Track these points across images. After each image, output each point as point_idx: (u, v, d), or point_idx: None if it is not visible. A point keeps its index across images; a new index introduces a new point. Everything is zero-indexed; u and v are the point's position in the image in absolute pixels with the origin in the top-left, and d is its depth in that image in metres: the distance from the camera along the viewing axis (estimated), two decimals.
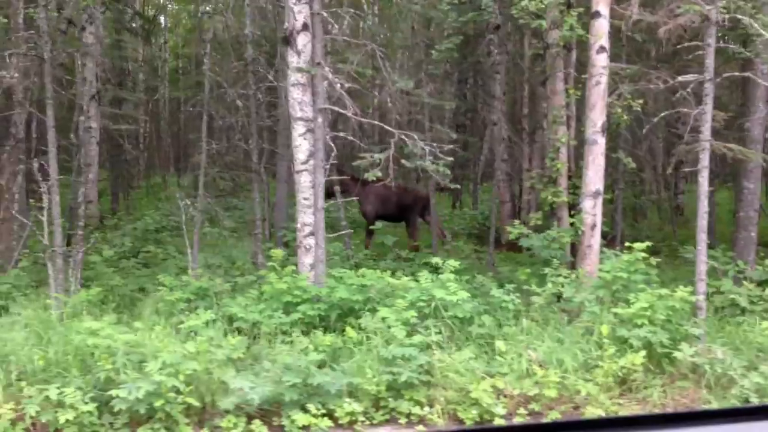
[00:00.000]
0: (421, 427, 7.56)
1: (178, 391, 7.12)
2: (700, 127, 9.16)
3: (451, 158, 9.88)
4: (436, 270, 10.17)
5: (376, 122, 11.66)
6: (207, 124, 12.16)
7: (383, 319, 8.51)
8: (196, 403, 7.22)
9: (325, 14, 10.18)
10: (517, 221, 11.74)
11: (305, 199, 9.99)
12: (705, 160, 9.12)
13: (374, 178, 9.80)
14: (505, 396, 7.85)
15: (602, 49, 10.36)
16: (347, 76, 10.27)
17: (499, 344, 8.40)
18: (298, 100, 9.96)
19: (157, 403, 6.97)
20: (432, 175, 10.49)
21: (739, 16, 9.20)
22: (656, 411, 7.72)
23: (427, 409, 7.72)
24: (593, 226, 10.48)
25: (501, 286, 9.79)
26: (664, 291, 8.75)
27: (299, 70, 9.84)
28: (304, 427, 7.36)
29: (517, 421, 7.63)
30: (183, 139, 30.15)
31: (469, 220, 19.33)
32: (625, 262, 9.37)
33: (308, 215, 9.96)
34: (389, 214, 15.56)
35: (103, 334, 7.64)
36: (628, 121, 11.10)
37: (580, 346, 8.45)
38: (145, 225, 16.71)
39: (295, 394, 7.44)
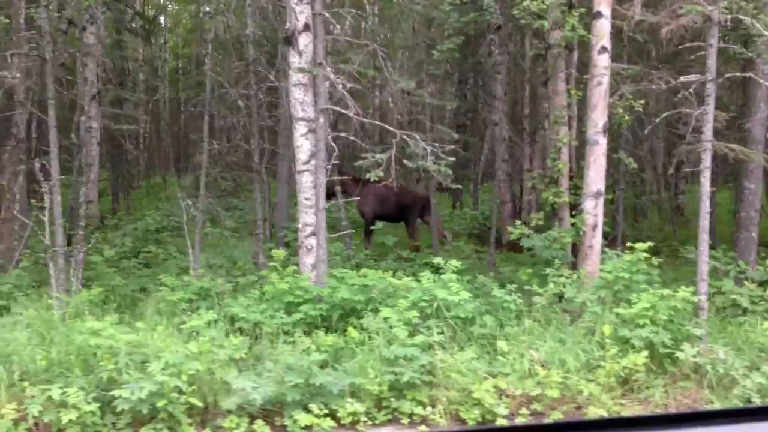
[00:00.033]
0: (423, 428, 7.57)
1: (180, 391, 7.12)
2: (702, 127, 9.16)
3: (453, 158, 9.87)
4: (437, 270, 10.18)
5: (377, 122, 11.63)
6: (208, 124, 12.15)
7: (385, 319, 8.51)
8: (199, 404, 7.22)
9: (326, 14, 10.17)
10: (518, 221, 11.74)
11: (307, 199, 9.99)
12: (707, 161, 9.12)
13: (376, 179, 9.79)
14: (507, 396, 7.85)
15: (604, 49, 10.37)
16: (348, 76, 10.26)
17: (502, 344, 8.40)
18: (300, 101, 9.96)
19: (160, 404, 6.97)
20: (433, 176, 10.50)
21: (741, 17, 9.19)
22: (658, 411, 7.72)
23: (429, 409, 7.72)
24: (594, 227, 10.49)
25: (502, 286, 9.79)
26: (666, 291, 8.75)
27: (301, 70, 9.84)
28: (306, 427, 7.37)
29: (519, 421, 7.62)
30: (183, 140, 30.15)
31: (470, 220, 19.33)
32: (627, 263, 9.37)
33: (310, 215, 9.97)
34: (388, 215, 15.55)
35: (106, 334, 7.64)
36: (630, 121, 11.10)
37: (582, 346, 8.46)
38: (146, 225, 16.70)
39: (297, 394, 7.45)
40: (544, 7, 10.54)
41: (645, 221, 17.99)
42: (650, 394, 7.95)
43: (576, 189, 11.11)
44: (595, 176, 10.50)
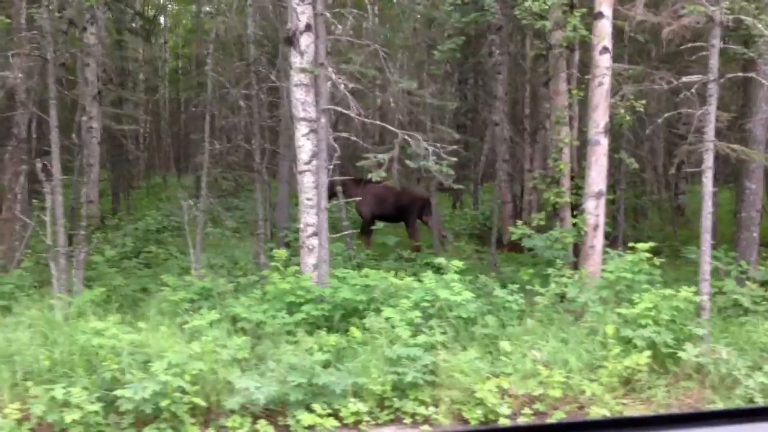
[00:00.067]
0: (426, 427, 7.58)
1: (183, 391, 7.13)
2: (704, 127, 9.17)
3: (454, 158, 9.87)
4: (438, 270, 10.19)
5: (379, 123, 11.62)
6: (209, 124, 12.15)
7: (387, 319, 8.52)
8: (202, 403, 7.23)
9: (328, 15, 10.17)
10: (519, 222, 11.75)
11: (308, 199, 9.98)
12: (709, 161, 9.13)
13: (378, 179, 9.79)
14: (509, 396, 7.87)
15: (605, 49, 10.38)
16: (349, 76, 10.26)
17: (504, 344, 8.40)
18: (301, 101, 9.96)
19: (163, 403, 6.98)
20: (433, 176, 10.49)
21: (743, 17, 9.20)
22: (661, 411, 7.73)
23: (432, 408, 7.74)
24: (596, 227, 10.50)
25: (504, 286, 9.80)
26: (668, 291, 8.76)
27: (302, 70, 9.84)
28: (309, 427, 7.38)
29: (521, 421, 7.64)
30: (183, 140, 30.13)
31: (470, 220, 19.33)
32: (629, 263, 9.39)
33: (311, 215, 9.96)
34: (387, 215, 15.54)
35: (108, 334, 7.65)
36: (631, 121, 11.11)
37: (584, 346, 8.46)
38: (147, 225, 16.71)
39: (300, 394, 7.46)
40: (546, 7, 10.55)
41: (645, 221, 17.98)
42: (653, 394, 7.96)
43: (577, 189, 11.13)
44: (597, 176, 10.51)
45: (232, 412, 7.31)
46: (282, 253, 10.14)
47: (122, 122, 18.07)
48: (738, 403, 7.75)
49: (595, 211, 10.50)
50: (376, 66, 11.26)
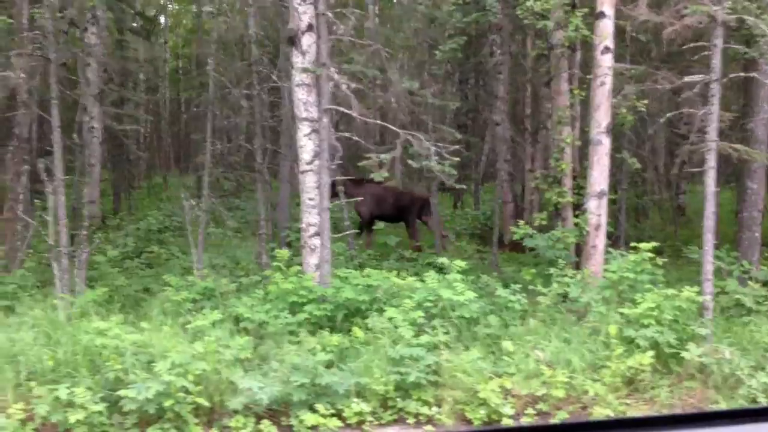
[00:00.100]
0: (429, 427, 7.58)
1: (187, 391, 7.13)
2: (707, 127, 9.17)
3: (457, 158, 9.87)
4: (440, 270, 10.19)
5: (382, 123, 11.61)
6: (211, 124, 12.15)
7: (390, 319, 8.52)
8: (206, 403, 7.23)
9: (330, 15, 10.17)
10: (521, 221, 11.74)
11: (310, 199, 9.98)
12: (712, 161, 9.13)
13: (381, 179, 9.79)
14: (512, 396, 7.87)
15: (607, 49, 10.38)
16: (351, 76, 10.26)
17: (507, 344, 8.40)
18: (303, 101, 9.95)
19: (167, 403, 6.98)
20: (435, 176, 10.48)
21: (745, 17, 9.19)
22: (664, 411, 7.73)
23: (435, 409, 7.74)
24: (598, 227, 10.50)
25: (506, 286, 9.80)
26: (671, 291, 8.76)
27: (304, 70, 9.84)
28: (312, 427, 7.38)
29: (525, 421, 7.64)
30: (184, 140, 30.12)
31: (471, 220, 19.32)
32: (632, 263, 9.39)
33: (313, 215, 9.96)
34: (387, 215, 15.53)
35: (111, 334, 7.65)
36: (633, 121, 11.10)
37: (587, 346, 8.46)
38: (148, 225, 16.71)
39: (303, 394, 7.46)
40: (548, 7, 10.54)
41: (646, 221, 17.98)
42: (656, 394, 7.97)
43: (579, 189, 11.13)
44: (599, 176, 10.51)
45: (236, 412, 7.31)
46: (284, 253, 10.14)
47: (123, 122, 18.05)
48: (741, 403, 7.75)
49: (597, 210, 10.50)
50: (377, 66, 11.26)
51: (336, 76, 9.83)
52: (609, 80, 10.39)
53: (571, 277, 9.80)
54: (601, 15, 10.38)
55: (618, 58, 10.97)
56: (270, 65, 13.82)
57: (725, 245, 12.11)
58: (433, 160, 9.62)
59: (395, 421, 7.70)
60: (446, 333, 8.52)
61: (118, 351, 7.43)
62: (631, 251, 9.77)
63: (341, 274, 9.90)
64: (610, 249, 10.42)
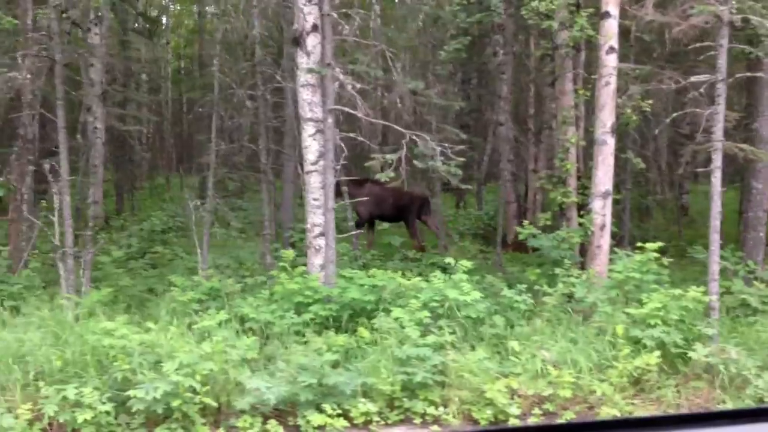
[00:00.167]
0: (435, 428, 7.59)
1: (194, 391, 7.14)
2: (713, 127, 9.17)
3: (462, 159, 9.87)
4: (444, 270, 10.19)
5: (387, 123, 11.62)
6: (216, 125, 12.15)
7: (396, 319, 8.52)
8: (213, 403, 7.23)
9: (334, 15, 10.18)
10: (526, 221, 11.74)
11: (315, 199, 9.98)
12: (717, 161, 9.13)
13: (387, 179, 9.79)
14: (519, 396, 7.87)
15: (612, 49, 10.38)
16: (356, 76, 10.25)
17: (513, 344, 8.40)
18: (308, 101, 9.95)
19: (175, 403, 6.99)
20: (437, 176, 10.48)
21: (750, 17, 9.19)
22: (670, 411, 7.73)
23: (441, 409, 7.75)
24: (603, 227, 10.50)
25: (510, 286, 9.80)
26: (677, 291, 8.75)
27: (310, 71, 9.84)
28: (319, 427, 7.40)
29: (531, 421, 7.64)
30: (186, 140, 30.11)
31: (474, 220, 19.33)
32: (637, 263, 9.38)
33: (318, 216, 9.96)
34: (386, 215, 15.51)
35: (118, 334, 7.65)
36: (638, 121, 11.10)
37: (593, 346, 8.46)
38: (152, 226, 16.72)
39: (310, 394, 7.46)
40: (553, 7, 10.54)
41: (650, 221, 17.98)
42: (662, 394, 7.97)
43: (584, 189, 11.12)
44: (603, 176, 10.51)
45: (243, 412, 7.32)
46: (289, 253, 10.14)
47: (126, 123, 18.07)
48: (748, 403, 7.76)
49: (602, 210, 10.50)
50: (381, 66, 11.26)
51: (341, 77, 9.83)
52: (614, 80, 10.39)
53: (576, 277, 9.79)
54: (606, 15, 10.38)
55: (622, 58, 10.97)
56: (274, 65, 13.81)
57: (729, 245, 12.12)
58: (439, 161, 9.62)
59: (402, 422, 7.71)
60: (452, 333, 8.52)
61: (126, 351, 7.43)
62: (636, 251, 9.77)
63: (346, 274, 9.90)
64: (616, 249, 10.41)
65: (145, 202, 23.28)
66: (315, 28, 9.90)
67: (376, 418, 7.57)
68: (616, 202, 11.76)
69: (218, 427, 7.29)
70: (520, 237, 11.24)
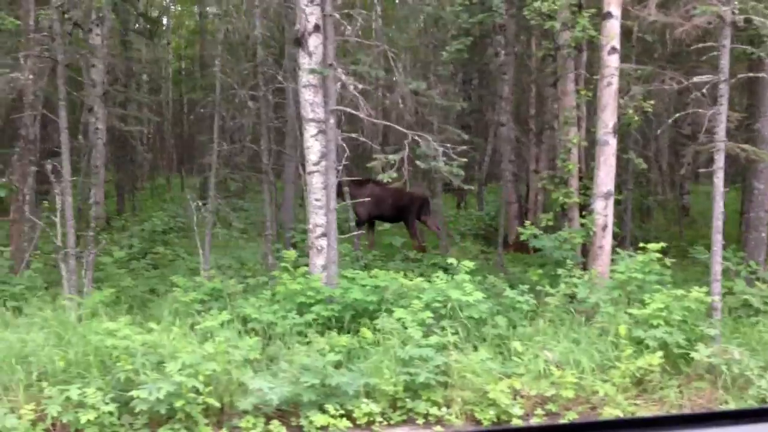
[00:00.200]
0: (438, 428, 7.58)
1: (197, 392, 7.13)
2: (715, 127, 9.17)
3: (464, 159, 9.87)
4: (446, 270, 10.20)
5: (389, 123, 11.62)
6: (218, 125, 12.15)
7: (399, 319, 8.52)
8: (216, 404, 7.23)
9: (337, 15, 10.17)
10: (528, 222, 11.74)
11: (317, 200, 9.98)
12: (720, 161, 9.13)
13: (389, 179, 9.78)
14: (522, 396, 7.87)
15: (614, 50, 10.39)
16: (358, 77, 10.25)
17: (516, 345, 8.41)
18: (310, 102, 9.95)
19: (178, 404, 6.99)
20: (438, 176, 10.47)
21: (753, 17, 9.19)
22: (673, 412, 7.73)
23: (444, 409, 7.74)
24: (605, 227, 10.51)
25: (512, 286, 9.80)
26: (679, 292, 8.75)
27: (312, 71, 9.83)
28: (322, 428, 7.39)
29: (534, 421, 7.64)
30: (187, 141, 30.11)
31: (475, 220, 19.33)
32: (640, 263, 9.38)
33: (320, 216, 9.96)
34: (385, 215, 15.50)
35: (121, 334, 7.65)
36: (639, 122, 11.10)
37: (596, 346, 8.47)
38: (153, 226, 16.71)
39: (313, 394, 7.46)
40: (555, 8, 10.54)
41: (651, 222, 17.98)
42: (665, 395, 7.96)
43: (585, 189, 11.12)
44: (605, 177, 10.52)
45: (246, 412, 7.31)
46: (291, 254, 10.14)
47: (129, 123, 18.08)
48: (750, 404, 7.76)
49: (604, 211, 10.51)
50: (383, 67, 11.26)
51: (343, 77, 9.83)
52: (616, 81, 10.39)
53: (578, 278, 9.80)
54: (608, 15, 10.38)
55: (623, 58, 10.97)
56: (275, 66, 13.81)
57: (731, 245, 12.12)
58: (441, 161, 9.62)
59: (404, 422, 7.70)
60: (455, 333, 8.52)
61: (129, 352, 7.43)
62: (638, 252, 9.77)
63: (348, 275, 9.90)
64: (618, 249, 10.41)
65: (146, 202, 23.28)
66: (317, 28, 9.90)
67: (379, 419, 7.56)
68: (617, 203, 11.77)
69: (221, 428, 7.29)
70: (522, 237, 11.24)
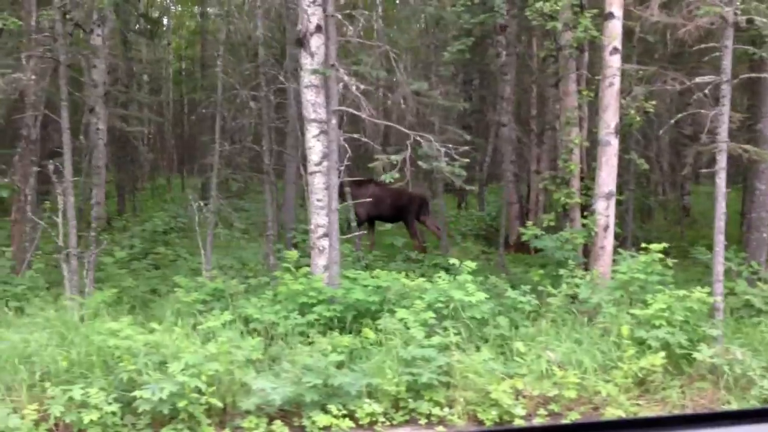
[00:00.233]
0: (441, 428, 7.59)
1: (200, 392, 7.14)
2: (717, 128, 9.17)
3: (467, 159, 9.87)
4: (448, 271, 10.20)
5: (391, 124, 11.62)
6: (220, 126, 12.15)
7: (401, 320, 8.52)
8: (219, 404, 7.23)
9: (339, 16, 10.18)
10: (529, 222, 11.74)
11: (318, 200, 9.98)
12: (722, 162, 9.13)
13: (392, 179, 9.78)
14: (524, 397, 7.87)
15: (615, 50, 10.39)
16: (360, 77, 10.25)
17: (518, 345, 8.41)
18: (312, 102, 9.95)
19: (181, 404, 6.99)
20: (440, 177, 10.46)
21: (755, 17, 9.20)
22: (675, 412, 7.73)
23: (446, 409, 7.74)
24: (606, 227, 10.51)
25: (513, 287, 9.81)
26: (682, 292, 8.76)
27: (314, 72, 9.83)
28: (325, 428, 7.39)
29: (536, 422, 7.64)
30: (188, 141, 30.12)
31: (476, 221, 19.34)
32: (642, 263, 9.38)
33: (322, 217, 9.96)
34: (384, 215, 15.50)
35: (123, 335, 7.65)
36: (641, 122, 11.10)
37: (598, 347, 8.47)
38: (153, 226, 16.70)
39: (315, 394, 7.46)
40: (557, 8, 10.54)
41: (651, 222, 18.00)
42: (667, 395, 7.96)
43: (587, 190, 11.12)
44: (607, 177, 10.52)
45: (248, 412, 7.32)
46: (293, 254, 10.14)
47: (131, 124, 18.09)
48: (753, 404, 7.76)
49: (606, 211, 10.51)
50: (385, 67, 11.26)
51: (345, 78, 9.83)
52: (617, 81, 10.40)
53: (580, 278, 9.80)
54: (610, 16, 10.39)
55: (624, 59, 10.98)
56: (277, 66, 13.81)
57: (732, 246, 12.12)
58: (443, 161, 9.62)
59: (407, 422, 7.70)
60: (457, 334, 8.53)
61: (131, 352, 7.44)
62: (640, 252, 9.77)
63: (350, 275, 9.90)
64: (620, 250, 10.41)
65: (147, 203, 23.29)
66: (319, 29, 9.90)
67: (381, 419, 7.56)
68: (618, 203, 11.77)
69: (224, 428, 7.30)
70: (524, 238, 11.24)
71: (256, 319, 8.90)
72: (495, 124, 18.22)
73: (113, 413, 6.97)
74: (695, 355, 8.18)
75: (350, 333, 8.80)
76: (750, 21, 9.30)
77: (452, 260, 9.92)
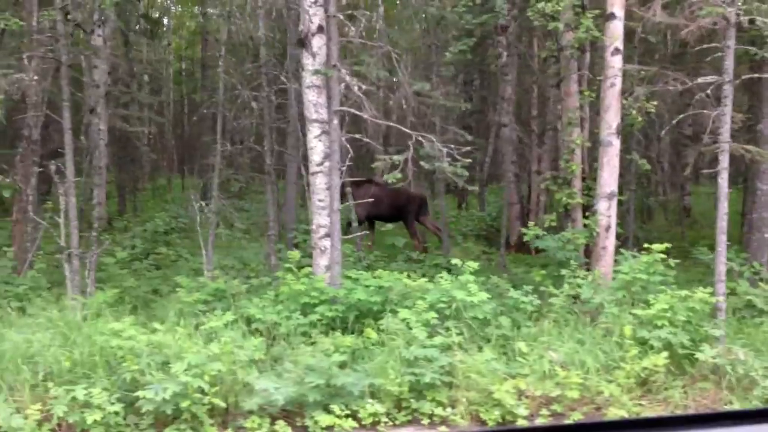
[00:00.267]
0: (443, 428, 7.59)
1: (203, 392, 7.14)
2: (719, 128, 9.17)
3: (469, 160, 9.87)
4: (449, 271, 10.20)
5: (393, 124, 11.62)
6: (221, 126, 12.16)
7: (403, 320, 8.53)
8: (221, 404, 7.23)
9: (340, 16, 10.18)
10: (530, 222, 11.75)
11: (320, 200, 9.98)
12: (725, 162, 9.13)
13: (394, 180, 9.78)
14: (527, 397, 7.87)
15: (617, 50, 10.39)
16: (361, 78, 10.26)
17: (520, 345, 8.41)
18: (313, 102, 9.95)
19: (184, 404, 6.99)
20: (441, 177, 10.46)
21: (757, 18, 9.20)
22: (678, 412, 7.74)
23: (449, 410, 7.74)
24: (608, 228, 10.51)
25: (515, 287, 9.81)
26: (684, 292, 8.76)
27: (315, 72, 9.83)
28: (327, 428, 7.40)
29: (539, 422, 7.64)
30: (188, 141, 30.13)
31: (477, 221, 19.34)
32: (644, 264, 9.39)
33: (323, 217, 9.96)
34: (383, 215, 15.49)
35: (126, 335, 7.66)
36: (643, 123, 11.11)
37: (601, 347, 8.47)
38: (154, 227, 16.69)
39: (318, 395, 7.46)
40: (558, 9, 10.54)
41: (652, 222, 18.01)
42: (670, 395, 7.97)
43: (588, 190, 11.13)
44: (609, 177, 10.52)
45: (251, 413, 7.32)
46: (295, 254, 10.14)
47: (132, 124, 18.09)
48: (755, 404, 7.77)
49: (607, 212, 10.51)
50: (386, 68, 11.27)
51: (347, 78, 9.83)
52: (619, 81, 10.40)
53: (582, 279, 9.80)
54: (612, 16, 10.39)
55: (625, 59, 10.99)
56: (278, 66, 13.82)
57: (733, 246, 12.11)
58: (445, 162, 9.63)
59: (409, 422, 7.70)
60: (460, 334, 8.53)
61: (134, 352, 7.44)
62: (642, 252, 9.78)
63: (352, 275, 9.90)
64: (622, 250, 10.42)
65: (148, 203, 23.29)
66: (320, 29, 9.90)
67: (384, 419, 7.57)
68: (620, 204, 11.78)
69: (226, 428, 7.30)
70: (526, 238, 11.24)
71: (258, 320, 8.90)
72: (496, 124, 18.23)
73: (116, 413, 6.97)
74: (697, 355, 8.18)
75: (352, 333, 8.80)
76: (752, 21, 9.31)
77: (454, 260, 9.92)
